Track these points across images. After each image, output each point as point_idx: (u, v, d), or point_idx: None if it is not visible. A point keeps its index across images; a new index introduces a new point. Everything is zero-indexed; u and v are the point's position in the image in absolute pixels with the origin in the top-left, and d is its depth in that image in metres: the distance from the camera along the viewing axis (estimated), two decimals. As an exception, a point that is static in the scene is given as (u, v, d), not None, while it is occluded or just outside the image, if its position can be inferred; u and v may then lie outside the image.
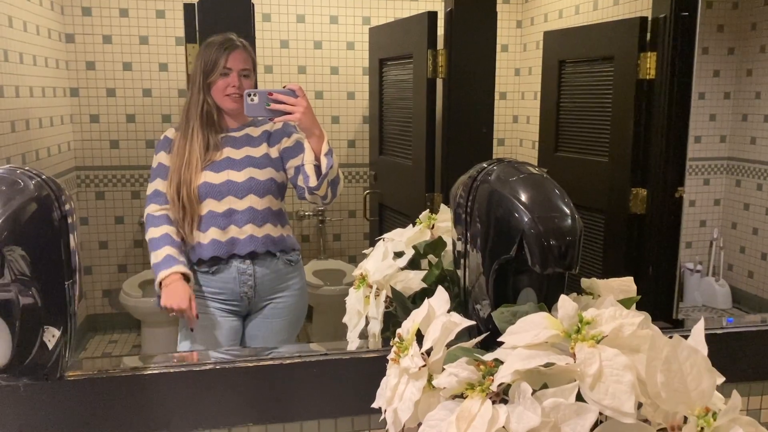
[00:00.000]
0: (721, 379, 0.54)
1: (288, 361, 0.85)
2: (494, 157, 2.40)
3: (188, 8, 2.06)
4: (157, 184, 1.73)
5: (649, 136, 2.32)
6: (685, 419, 0.53)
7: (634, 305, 0.70)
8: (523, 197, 0.71)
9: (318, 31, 3.52)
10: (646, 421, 0.54)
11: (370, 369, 0.81)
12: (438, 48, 2.31)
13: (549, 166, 2.82)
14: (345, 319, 0.96)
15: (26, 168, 0.72)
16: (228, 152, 1.71)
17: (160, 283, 1.64)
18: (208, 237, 1.70)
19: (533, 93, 3.54)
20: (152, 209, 1.73)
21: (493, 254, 0.74)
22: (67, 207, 0.70)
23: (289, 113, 1.54)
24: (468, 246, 0.81)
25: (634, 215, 2.35)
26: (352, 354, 0.87)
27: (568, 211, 0.69)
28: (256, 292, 1.76)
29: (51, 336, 0.68)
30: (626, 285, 0.73)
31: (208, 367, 0.83)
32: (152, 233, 1.71)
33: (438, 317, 0.65)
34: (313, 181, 1.58)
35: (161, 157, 1.75)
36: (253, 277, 1.74)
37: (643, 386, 0.53)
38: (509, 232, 0.71)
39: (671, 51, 2.24)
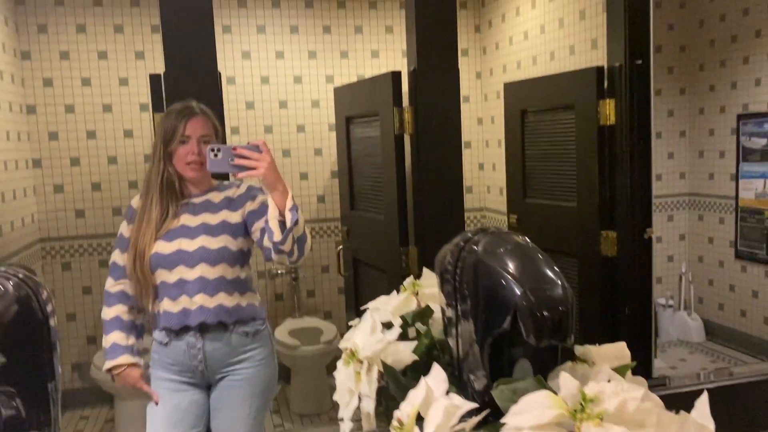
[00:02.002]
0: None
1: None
2: (465, 206, 2.43)
3: (154, 78, 2.06)
4: (115, 256, 1.72)
5: (614, 179, 2.38)
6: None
7: (630, 372, 0.70)
8: (513, 269, 0.71)
9: (283, 91, 3.56)
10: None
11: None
12: (403, 105, 2.35)
13: (519, 212, 2.86)
14: (336, 397, 0.93)
15: (1, 268, 0.70)
16: (184, 219, 1.67)
17: (110, 369, 1.68)
18: (161, 308, 1.67)
19: (497, 141, 3.61)
20: (109, 284, 1.72)
21: (486, 327, 0.74)
22: (49, 308, 0.68)
23: (253, 168, 1.52)
24: (459, 316, 0.81)
25: (605, 257, 2.38)
26: (350, 438, 0.85)
27: (558, 281, 0.70)
28: (208, 365, 1.69)
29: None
30: (620, 351, 0.73)
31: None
32: (104, 313, 1.72)
33: (438, 399, 0.64)
34: (277, 236, 1.53)
35: (123, 228, 1.73)
36: (202, 351, 1.67)
37: (651, 462, 0.53)
38: (502, 305, 0.71)
39: (629, 97, 2.32)
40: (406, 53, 3.61)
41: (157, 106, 2.07)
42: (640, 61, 2.35)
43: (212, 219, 1.67)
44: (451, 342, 0.86)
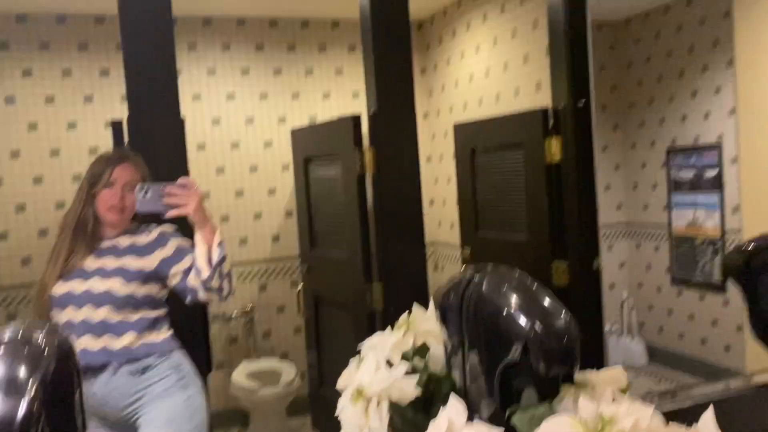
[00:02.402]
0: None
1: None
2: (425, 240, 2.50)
3: (116, 125, 2.07)
4: None
5: (562, 212, 2.51)
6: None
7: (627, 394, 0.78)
8: (519, 303, 0.78)
9: (234, 132, 3.58)
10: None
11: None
12: (364, 146, 2.43)
13: (472, 245, 2.96)
14: (343, 434, 0.97)
15: (37, 324, 0.71)
16: (87, 262, 1.68)
17: None
18: None
19: (446, 178, 3.73)
20: None
21: (496, 358, 0.80)
22: (79, 361, 0.70)
23: (183, 206, 1.57)
24: (464, 350, 0.86)
25: (557, 287, 2.49)
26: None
27: (562, 313, 0.77)
28: (107, 409, 1.67)
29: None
30: (617, 375, 0.81)
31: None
32: None
33: (462, 429, 0.70)
34: (206, 273, 1.58)
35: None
36: (96, 395, 1.65)
37: (664, 473, 0.60)
38: (510, 337, 0.77)
39: (573, 136, 2.48)
40: (356, 94, 3.73)
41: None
42: (582, 102, 2.51)
43: (111, 263, 1.68)
44: (455, 374, 0.92)
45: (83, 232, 1.69)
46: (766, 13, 2.50)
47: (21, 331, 0.68)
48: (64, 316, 1.65)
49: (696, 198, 3.52)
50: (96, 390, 1.65)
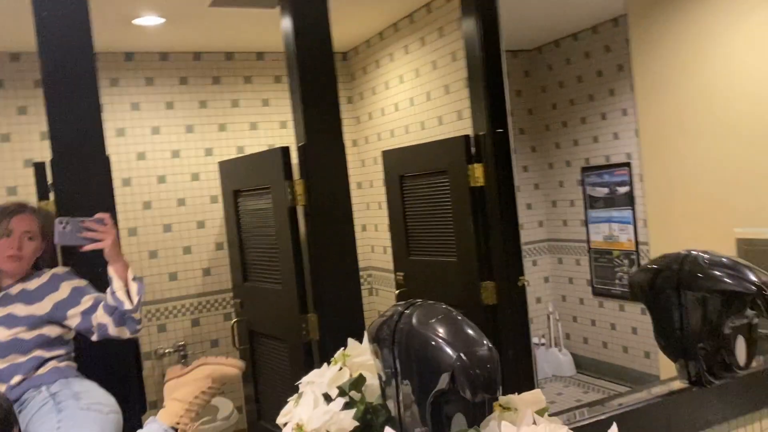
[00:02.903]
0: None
1: None
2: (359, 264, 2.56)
3: (38, 166, 2.03)
4: None
5: (487, 234, 2.62)
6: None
7: (546, 413, 0.85)
8: (445, 335, 0.85)
9: (161, 166, 3.54)
10: None
11: None
12: (294, 178, 2.46)
13: (404, 269, 3.04)
14: (286, 471, 1.00)
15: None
16: None
17: None
18: None
19: (377, 203, 3.81)
20: None
21: (427, 387, 0.86)
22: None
23: (99, 240, 1.62)
24: (398, 380, 0.92)
25: (486, 306, 2.60)
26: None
27: (485, 343, 0.84)
28: None
29: None
30: (536, 397, 0.89)
31: None
32: None
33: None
34: (129, 305, 1.61)
35: None
36: None
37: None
38: (438, 367, 0.84)
39: (494, 160, 2.60)
40: (284, 124, 3.77)
41: (42, 193, 2.03)
42: (500, 129, 2.65)
43: (2, 312, 1.68)
44: (390, 403, 0.97)
45: None
46: (659, 39, 2.72)
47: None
48: None
49: (611, 213, 3.74)
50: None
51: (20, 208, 1.77)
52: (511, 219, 2.63)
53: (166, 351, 3.49)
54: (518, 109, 4.10)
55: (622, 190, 3.65)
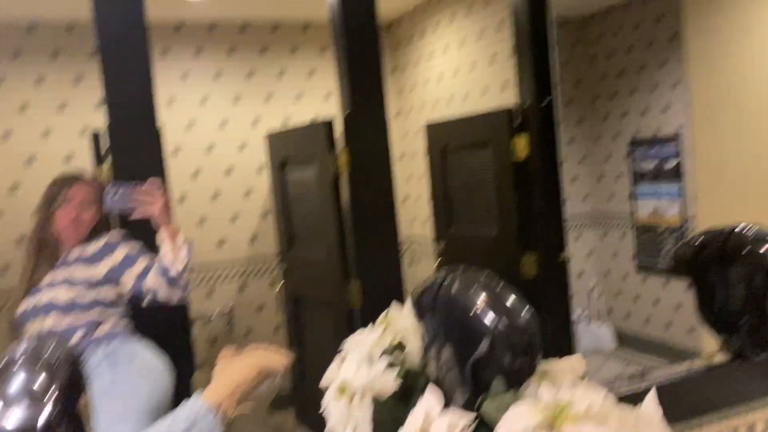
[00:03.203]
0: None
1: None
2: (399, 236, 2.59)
3: (95, 135, 2.12)
4: None
5: (530, 207, 2.62)
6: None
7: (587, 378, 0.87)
8: (487, 302, 0.87)
9: (209, 136, 3.62)
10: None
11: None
12: (338, 149, 2.50)
13: (445, 240, 3.06)
14: (329, 429, 1.05)
15: (43, 339, 0.78)
16: (46, 277, 1.77)
17: None
18: None
19: (419, 175, 3.83)
20: None
21: (467, 352, 0.89)
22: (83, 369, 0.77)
23: (149, 206, 1.68)
24: (438, 346, 0.96)
25: (527, 279, 2.60)
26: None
27: (524, 309, 0.86)
28: None
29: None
30: (576, 364, 0.91)
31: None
32: None
33: (440, 419, 0.79)
34: (173, 271, 1.68)
35: None
36: None
37: (613, 447, 0.69)
38: (479, 333, 0.87)
39: (538, 133, 2.58)
40: (329, 95, 3.79)
41: (98, 160, 2.12)
42: (547, 100, 2.62)
43: (60, 275, 1.77)
44: (431, 368, 1.01)
45: (44, 251, 1.79)
46: (715, 8, 2.63)
47: (33, 346, 0.75)
48: (32, 329, 1.72)
49: (658, 188, 3.68)
50: None
51: (78, 177, 1.86)
52: (554, 192, 2.61)
53: (213, 315, 3.62)
54: (566, 80, 4.03)
55: (671, 164, 3.57)
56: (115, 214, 1.77)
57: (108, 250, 1.80)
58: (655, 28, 3.52)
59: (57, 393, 0.69)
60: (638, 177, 3.78)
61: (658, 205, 3.68)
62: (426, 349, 1.02)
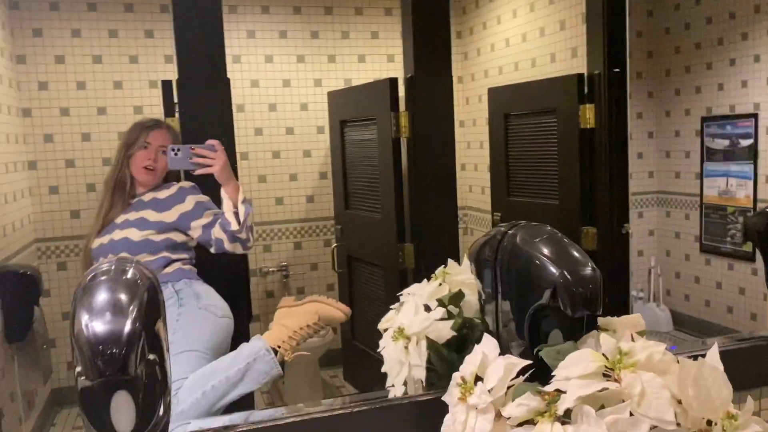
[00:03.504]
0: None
1: (344, 411, 0.96)
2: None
3: (166, 84, 2.17)
4: None
5: (593, 178, 2.56)
6: (708, 422, 0.68)
7: (645, 336, 0.86)
8: (550, 254, 0.87)
9: (272, 95, 3.67)
10: (679, 426, 0.69)
11: (423, 410, 0.93)
12: (400, 110, 2.49)
13: (502, 210, 3.03)
14: (385, 369, 1.07)
15: (127, 259, 0.82)
16: (120, 216, 1.88)
17: None
18: None
19: (479, 143, 3.78)
20: None
21: (527, 303, 0.89)
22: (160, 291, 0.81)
23: (209, 166, 1.75)
24: (499, 296, 0.96)
25: (586, 251, 2.56)
26: (410, 398, 0.99)
27: (588, 263, 0.85)
28: None
29: (162, 406, 0.77)
30: (636, 320, 0.89)
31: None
32: None
33: (497, 360, 0.79)
34: (235, 226, 1.75)
35: None
36: None
37: (673, 400, 0.68)
38: (541, 283, 0.86)
39: (607, 102, 2.51)
40: (392, 58, 3.77)
41: (169, 111, 2.18)
42: (617, 69, 2.54)
43: (133, 215, 1.87)
44: (489, 319, 1.01)
45: (120, 191, 1.89)
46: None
47: (116, 265, 0.78)
48: None
49: (729, 167, 3.53)
50: None
51: (157, 123, 1.96)
52: (621, 164, 2.55)
53: (270, 270, 3.71)
54: (637, 51, 3.88)
55: (745, 142, 3.41)
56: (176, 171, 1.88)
57: (180, 197, 1.89)
58: (738, -1, 3.34)
59: (137, 309, 0.72)
60: (709, 155, 3.63)
61: (729, 186, 3.54)
62: (484, 302, 1.02)
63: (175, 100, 2.10)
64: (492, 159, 3.05)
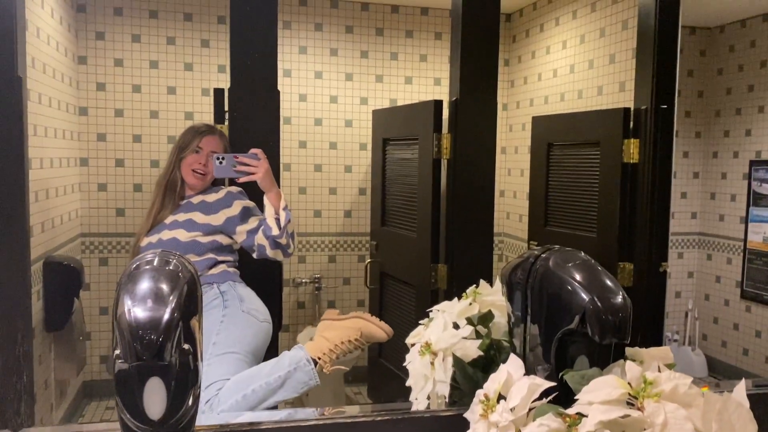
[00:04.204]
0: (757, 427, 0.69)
1: (367, 419, 0.97)
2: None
3: (218, 92, 2.24)
4: None
5: (633, 214, 2.53)
6: (732, 460, 0.67)
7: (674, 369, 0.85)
8: (582, 280, 0.87)
9: (319, 109, 3.74)
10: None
11: (444, 425, 0.94)
12: (443, 132, 2.52)
13: (539, 239, 3.01)
14: (409, 383, 1.08)
15: (171, 253, 0.85)
16: (170, 217, 1.93)
17: None
18: None
19: (519, 170, 3.78)
20: None
21: (555, 327, 0.89)
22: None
23: (252, 174, 1.80)
24: (528, 319, 0.96)
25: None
26: (432, 413, 1.00)
27: (620, 291, 0.85)
28: None
29: (192, 397, 0.80)
30: (664, 353, 0.89)
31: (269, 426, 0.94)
32: None
33: (521, 380, 0.80)
34: (275, 231, 1.80)
35: None
36: None
37: (697, 434, 0.68)
38: (571, 308, 0.87)
39: (653, 138, 2.48)
40: (438, 81, 3.81)
41: (219, 119, 2.25)
42: (665, 106, 2.52)
43: (182, 217, 1.91)
44: (516, 341, 1.01)
45: (171, 192, 1.95)
46: None
47: (159, 257, 0.82)
48: None
49: (776, 214, 3.44)
50: None
51: (210, 129, 2.03)
52: (663, 201, 2.51)
53: (303, 281, 3.75)
54: (687, 90, 3.84)
55: (794, 189, 3.33)
56: (220, 178, 1.95)
57: (227, 202, 1.95)
58: (795, 43, 3.28)
59: (176, 300, 0.76)
60: (756, 200, 3.55)
61: (775, 232, 3.45)
62: (513, 326, 1.02)
63: (226, 108, 2.17)
64: (532, 187, 3.04)
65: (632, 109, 2.54)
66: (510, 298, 1.02)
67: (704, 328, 3.85)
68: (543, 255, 0.96)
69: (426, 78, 3.85)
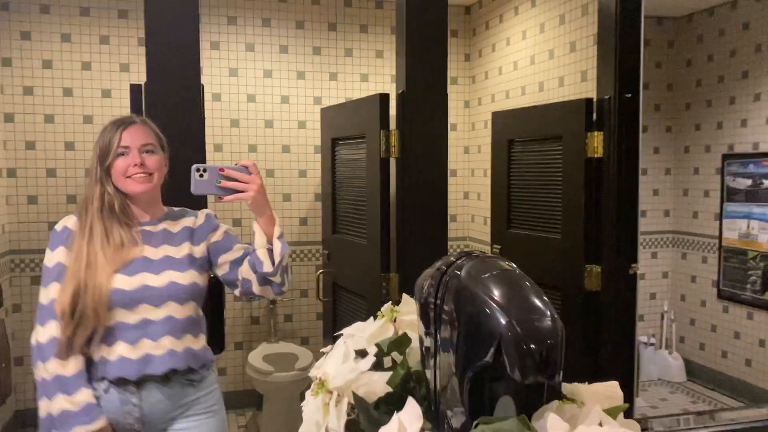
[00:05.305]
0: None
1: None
2: (448, 234, 2.38)
3: (134, 88, 2.01)
4: (52, 293, 1.41)
5: (599, 212, 2.34)
6: None
7: (622, 414, 0.64)
8: (498, 297, 0.66)
9: (269, 110, 3.51)
10: None
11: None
12: (390, 128, 2.31)
13: (502, 242, 2.82)
14: (301, 431, 0.86)
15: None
16: (146, 251, 1.46)
17: None
18: (111, 354, 1.41)
19: (483, 170, 3.59)
20: (54, 330, 1.38)
21: (467, 359, 0.68)
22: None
23: (241, 191, 1.39)
24: (438, 346, 0.74)
25: (589, 292, 2.33)
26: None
27: (547, 312, 0.64)
28: (145, 424, 1.46)
29: None
30: (611, 391, 0.67)
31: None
32: (57, 367, 1.38)
33: (411, 439, 0.58)
34: (267, 267, 1.40)
35: (60, 255, 1.43)
36: (139, 408, 1.45)
37: None
38: (484, 335, 0.65)
39: (617, 130, 2.30)
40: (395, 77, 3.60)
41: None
42: (629, 95, 2.33)
43: (176, 252, 1.48)
44: (429, 374, 0.80)
45: (112, 215, 1.45)
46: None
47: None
48: (134, 315, 1.42)
49: (751, 209, 3.28)
50: (146, 401, 1.46)
51: (127, 120, 1.50)
52: (631, 197, 2.33)
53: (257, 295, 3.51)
54: (656, 83, 3.68)
55: (769, 182, 3.18)
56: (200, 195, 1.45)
57: (211, 226, 1.54)
58: (765, 30, 3.14)
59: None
60: (730, 195, 3.40)
61: (750, 228, 3.29)
62: (425, 351, 0.81)
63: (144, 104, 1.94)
64: (493, 188, 2.85)
65: (595, 99, 2.35)
66: (422, 319, 0.81)
67: (681, 330, 3.69)
68: (457, 262, 0.75)
69: (383, 75, 3.64)
